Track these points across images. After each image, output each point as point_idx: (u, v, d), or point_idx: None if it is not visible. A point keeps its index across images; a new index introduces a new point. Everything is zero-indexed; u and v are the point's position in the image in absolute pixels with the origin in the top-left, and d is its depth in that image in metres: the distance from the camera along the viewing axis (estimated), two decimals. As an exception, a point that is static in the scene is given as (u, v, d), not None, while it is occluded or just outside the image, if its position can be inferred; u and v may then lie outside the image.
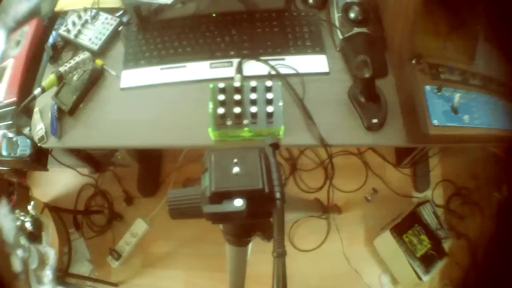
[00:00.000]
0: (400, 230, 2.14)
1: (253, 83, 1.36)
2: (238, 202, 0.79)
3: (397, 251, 2.12)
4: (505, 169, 1.75)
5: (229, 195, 0.80)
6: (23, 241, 1.86)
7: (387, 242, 2.17)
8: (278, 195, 0.82)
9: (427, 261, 2.10)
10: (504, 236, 1.45)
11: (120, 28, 1.67)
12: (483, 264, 1.96)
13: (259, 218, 0.87)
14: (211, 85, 1.38)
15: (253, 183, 0.82)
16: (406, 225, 2.16)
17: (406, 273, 2.13)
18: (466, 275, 2.12)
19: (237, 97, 1.35)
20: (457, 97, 1.25)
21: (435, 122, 1.23)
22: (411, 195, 2.47)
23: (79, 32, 1.67)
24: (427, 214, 2.21)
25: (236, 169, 0.83)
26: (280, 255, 0.76)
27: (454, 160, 2.52)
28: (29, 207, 2.00)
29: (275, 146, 0.92)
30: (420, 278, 2.07)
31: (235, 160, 0.84)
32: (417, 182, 2.49)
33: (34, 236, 1.98)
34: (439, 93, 1.27)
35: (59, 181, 2.72)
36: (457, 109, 1.26)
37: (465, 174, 2.39)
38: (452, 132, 1.25)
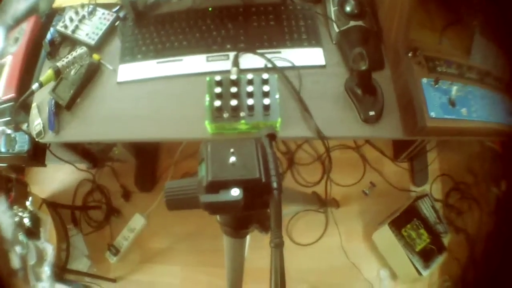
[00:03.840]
0: (398, 224, 2.14)
1: (249, 76, 1.37)
2: (235, 192, 0.79)
3: (395, 246, 2.12)
4: (503, 164, 1.75)
5: (225, 185, 0.80)
6: (21, 237, 1.86)
7: (385, 236, 2.17)
8: (275, 184, 0.82)
9: (426, 256, 2.10)
10: (503, 231, 1.46)
11: (116, 23, 1.67)
12: (482, 259, 1.97)
13: (256, 208, 0.87)
14: (207, 78, 1.38)
15: (250, 173, 0.81)
16: (404, 219, 2.16)
17: (405, 267, 2.13)
18: (465, 270, 2.13)
19: (233, 89, 1.35)
20: (454, 89, 1.25)
21: (432, 114, 1.23)
22: (409, 189, 2.48)
23: (77, 27, 1.67)
24: (425, 208, 2.21)
25: (232, 159, 0.83)
26: (278, 245, 0.76)
27: (452, 154, 2.52)
28: (27, 203, 2.00)
29: (272, 136, 0.92)
30: (419, 273, 2.07)
31: (232, 150, 0.84)
32: (415, 176, 2.49)
33: (32, 232, 1.98)
34: (436, 86, 1.27)
35: (57, 177, 2.72)
36: (455, 102, 1.26)
37: (464, 168, 2.39)
38: (449, 124, 1.25)
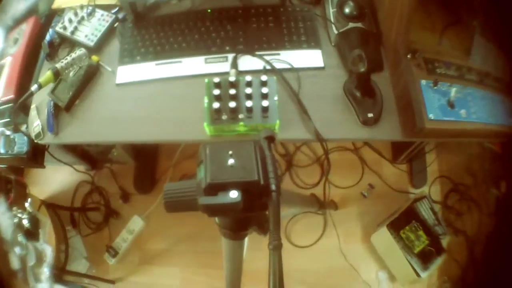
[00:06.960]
0: (397, 226, 2.14)
1: (248, 78, 1.37)
2: (234, 194, 0.79)
3: (394, 247, 2.12)
4: (502, 165, 1.75)
5: (224, 187, 0.80)
6: (20, 238, 1.85)
7: (384, 238, 2.17)
8: (273, 187, 0.82)
9: (425, 258, 2.10)
10: (502, 232, 1.45)
11: (115, 25, 1.67)
12: (481, 260, 1.96)
13: (254, 210, 0.87)
14: (206, 80, 1.38)
15: (248, 175, 0.82)
16: (403, 221, 2.16)
17: (403, 269, 2.13)
18: (465, 271, 2.12)
19: (232, 91, 1.35)
20: (453, 91, 1.25)
21: (431, 116, 1.23)
22: (407, 191, 2.48)
23: (76, 29, 1.67)
24: (424, 210, 2.20)
25: (231, 161, 0.83)
26: (276, 248, 0.76)
27: (451, 156, 2.52)
28: (26, 204, 2.00)
29: (271, 139, 0.92)
30: (418, 275, 2.07)
31: (230, 152, 0.84)
32: (413, 178, 2.49)
33: (31, 234, 1.97)
34: (435, 88, 1.27)
35: (56, 179, 2.72)
36: (454, 104, 1.26)
37: (463, 170, 2.38)
38: (448, 126, 1.25)
